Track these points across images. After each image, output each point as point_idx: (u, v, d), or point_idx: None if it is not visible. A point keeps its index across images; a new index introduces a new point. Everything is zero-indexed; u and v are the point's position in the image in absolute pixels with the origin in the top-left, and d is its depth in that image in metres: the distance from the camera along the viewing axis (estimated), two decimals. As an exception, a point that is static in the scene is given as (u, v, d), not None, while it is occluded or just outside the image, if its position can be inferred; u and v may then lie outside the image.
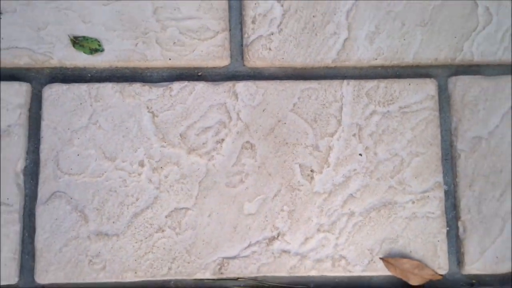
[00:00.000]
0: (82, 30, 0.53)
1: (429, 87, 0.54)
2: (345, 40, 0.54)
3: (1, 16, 0.52)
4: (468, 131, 0.54)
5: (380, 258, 0.52)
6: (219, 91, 0.53)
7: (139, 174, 0.51)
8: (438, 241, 0.52)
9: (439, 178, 0.53)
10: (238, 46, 0.55)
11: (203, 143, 0.53)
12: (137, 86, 0.53)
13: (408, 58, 0.55)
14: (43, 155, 0.52)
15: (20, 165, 0.52)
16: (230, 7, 0.55)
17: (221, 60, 0.54)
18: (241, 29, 0.55)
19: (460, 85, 0.54)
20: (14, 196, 0.51)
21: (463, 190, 0.53)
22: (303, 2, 0.54)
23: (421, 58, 0.55)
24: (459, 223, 0.53)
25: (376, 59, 0.55)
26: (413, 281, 0.51)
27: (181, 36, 0.54)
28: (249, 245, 0.52)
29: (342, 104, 0.54)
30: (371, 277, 0.52)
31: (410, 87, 0.54)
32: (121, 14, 0.53)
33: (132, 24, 0.53)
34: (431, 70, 0.55)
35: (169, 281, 0.51)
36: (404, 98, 0.54)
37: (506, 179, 0.53)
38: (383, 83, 0.54)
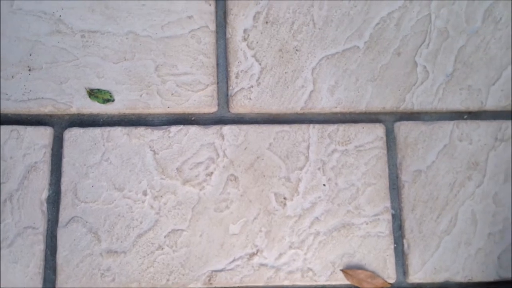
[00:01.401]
0: (96, 84, 0.61)
1: (378, 130, 0.63)
2: (311, 92, 0.63)
3: (30, 73, 0.61)
4: (410, 166, 0.63)
5: (341, 270, 0.60)
6: (209, 133, 0.62)
7: (143, 202, 0.60)
8: (387, 255, 0.60)
9: (388, 204, 0.62)
10: (224, 96, 0.63)
11: (196, 176, 0.61)
12: (141, 129, 0.61)
13: (362, 106, 0.64)
14: (63, 186, 0.59)
15: (44, 194, 0.59)
16: (217, 65, 0.63)
17: (210, 107, 0.63)
18: (227, 83, 0.63)
19: (403, 128, 0.64)
20: (39, 221, 0.58)
21: (406, 213, 0.62)
22: (277, 61, 0.65)
23: (372, 107, 0.64)
24: (404, 241, 0.61)
25: (336, 107, 0.63)
26: (367, 288, 0.61)
27: (177, 88, 0.62)
28: (234, 260, 0.59)
29: (309, 143, 0.63)
30: (333, 286, 0.60)
31: (363, 130, 0.63)
32: (128, 70, 0.62)
33: (137, 78, 0.62)
34: (380, 116, 0.64)
35: (167, 290, 0.59)
36: (359, 139, 0.63)
37: (441, 204, 0.62)
38: (342, 127, 0.63)
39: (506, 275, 0.61)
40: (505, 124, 0.64)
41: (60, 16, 0.62)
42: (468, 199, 0.63)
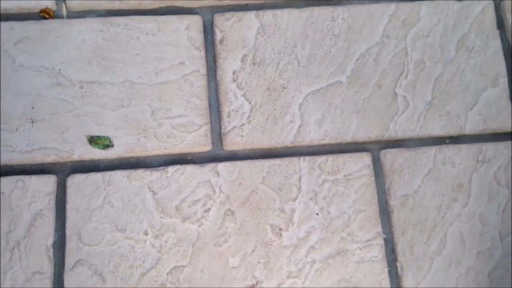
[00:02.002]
0: (96, 131, 0.64)
1: (365, 159, 0.67)
2: (299, 126, 0.67)
3: (33, 125, 0.64)
4: (398, 191, 0.66)
5: (338, 296, 0.64)
6: (205, 171, 0.65)
7: (144, 241, 0.62)
8: (382, 279, 0.63)
9: (379, 229, 0.64)
10: (217, 135, 0.66)
11: (194, 213, 0.63)
12: (140, 171, 0.64)
13: (348, 137, 0.67)
14: (68, 231, 0.61)
15: (50, 240, 0.61)
16: (210, 106, 0.67)
17: (205, 146, 0.66)
18: (219, 122, 0.66)
19: (389, 156, 0.67)
20: (46, 266, 0.60)
21: (398, 237, 0.65)
22: (266, 99, 0.68)
23: (358, 137, 0.67)
24: (397, 264, 0.64)
25: (324, 139, 0.67)
26: (364, 313, 0.63)
27: (173, 130, 0.66)
28: (234, 293, 0.62)
29: (301, 175, 0.66)
30: (332, 312, 0.63)
31: (351, 160, 0.67)
32: (126, 116, 0.65)
33: (135, 123, 0.65)
34: (366, 145, 0.67)
35: (172, 326, 0.62)
36: (347, 168, 0.66)
37: (430, 226, 0.65)
38: (330, 158, 0.66)
39: (497, 291, 0.64)
40: (485, 146, 0.68)
41: (60, 69, 0.66)
42: (455, 220, 0.66)
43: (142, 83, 0.67)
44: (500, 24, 0.72)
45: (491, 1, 0.72)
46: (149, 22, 0.68)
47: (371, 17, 0.71)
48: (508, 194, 0.67)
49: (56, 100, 0.65)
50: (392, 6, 0.71)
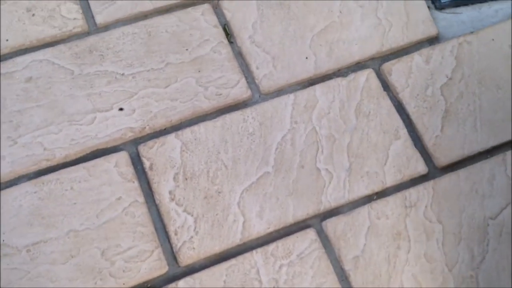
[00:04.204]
0: None
1: (310, 234, 0.72)
2: (243, 222, 0.72)
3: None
4: (348, 255, 0.71)
5: None
6: None
7: None
8: None
9: None
10: (170, 254, 0.69)
11: None
12: None
13: (289, 219, 0.72)
14: None
15: None
16: (156, 230, 0.70)
17: (161, 269, 0.68)
18: (169, 242, 0.70)
19: (330, 225, 0.73)
20: None
21: None
22: (206, 208, 0.72)
23: (297, 216, 0.73)
24: None
25: (268, 227, 0.72)
26: None
27: (127, 264, 0.68)
28: None
29: (258, 268, 0.69)
30: None
31: (298, 239, 0.72)
32: (78, 265, 0.67)
33: (88, 269, 0.67)
34: (307, 221, 0.73)
35: None
36: (297, 248, 0.71)
37: (385, 279, 0.69)
38: (280, 243, 0.71)
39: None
40: (407, 192, 0.76)
41: (3, 240, 0.67)
42: (405, 266, 0.71)
43: (85, 228, 0.70)
44: (385, 85, 0.83)
45: (371, 69, 0.84)
46: (79, 170, 0.73)
47: (276, 110, 0.80)
48: (442, 228, 0.74)
49: (7, 270, 0.66)
50: (291, 96, 0.81)
